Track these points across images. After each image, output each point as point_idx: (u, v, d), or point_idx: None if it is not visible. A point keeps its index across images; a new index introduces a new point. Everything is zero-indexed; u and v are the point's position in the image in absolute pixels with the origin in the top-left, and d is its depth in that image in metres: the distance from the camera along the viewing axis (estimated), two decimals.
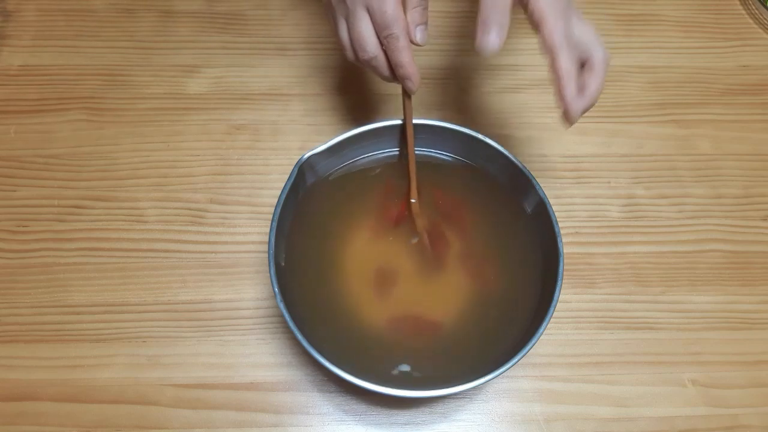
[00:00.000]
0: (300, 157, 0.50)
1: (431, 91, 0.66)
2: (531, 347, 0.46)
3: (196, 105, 0.65)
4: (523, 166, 0.51)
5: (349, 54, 0.49)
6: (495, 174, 0.54)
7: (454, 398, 0.55)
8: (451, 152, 0.55)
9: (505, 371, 0.45)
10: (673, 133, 0.66)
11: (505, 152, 0.52)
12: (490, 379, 0.44)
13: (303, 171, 0.50)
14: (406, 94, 0.50)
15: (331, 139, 0.51)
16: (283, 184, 0.49)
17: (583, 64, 0.47)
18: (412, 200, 0.53)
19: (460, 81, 0.67)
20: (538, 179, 0.51)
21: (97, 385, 0.54)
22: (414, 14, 0.47)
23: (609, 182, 0.63)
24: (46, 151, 0.62)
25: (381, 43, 0.47)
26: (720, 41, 0.71)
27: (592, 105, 0.46)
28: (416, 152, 0.55)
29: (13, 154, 0.62)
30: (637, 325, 0.58)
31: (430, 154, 0.55)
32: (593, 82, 0.46)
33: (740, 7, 0.73)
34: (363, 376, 0.45)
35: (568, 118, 0.46)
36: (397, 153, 0.55)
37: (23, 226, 0.59)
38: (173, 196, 0.61)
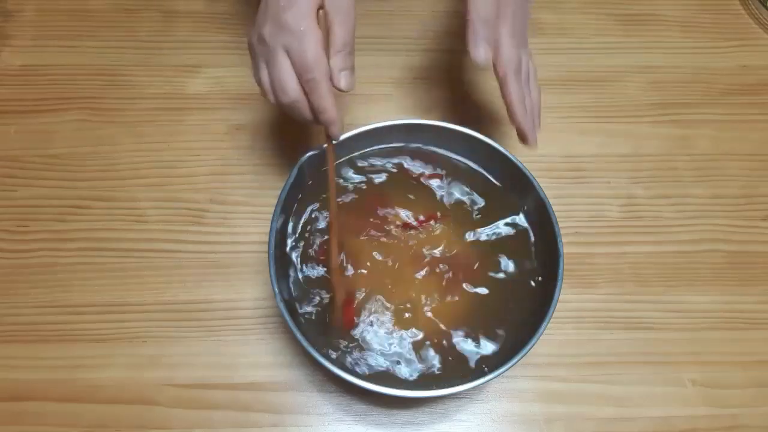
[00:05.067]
0: (300, 157, 0.50)
1: (431, 91, 0.67)
2: (531, 347, 0.46)
3: (196, 105, 0.65)
4: (523, 166, 0.51)
5: (270, 97, 0.47)
6: (495, 174, 0.54)
7: (454, 398, 0.55)
8: (451, 152, 0.55)
9: (505, 371, 0.45)
10: (673, 133, 0.66)
11: (505, 152, 0.52)
12: (490, 379, 0.45)
13: (303, 171, 0.50)
14: (329, 138, 0.48)
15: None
16: (283, 184, 0.49)
17: None
18: (334, 264, 0.48)
19: (460, 81, 0.67)
20: (538, 179, 0.51)
21: (97, 385, 0.54)
22: (337, 59, 0.45)
23: (609, 182, 0.63)
24: (46, 151, 0.62)
25: (302, 87, 0.45)
26: (720, 41, 0.71)
27: (537, 113, 0.51)
28: (418, 149, 0.55)
29: (13, 154, 0.62)
30: (637, 325, 0.58)
31: (430, 151, 0.55)
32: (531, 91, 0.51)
33: (740, 7, 0.73)
34: (363, 376, 0.45)
35: (527, 138, 0.51)
36: (395, 151, 0.55)
37: (23, 226, 0.59)
38: (173, 196, 0.61)
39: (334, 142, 0.49)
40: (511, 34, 0.49)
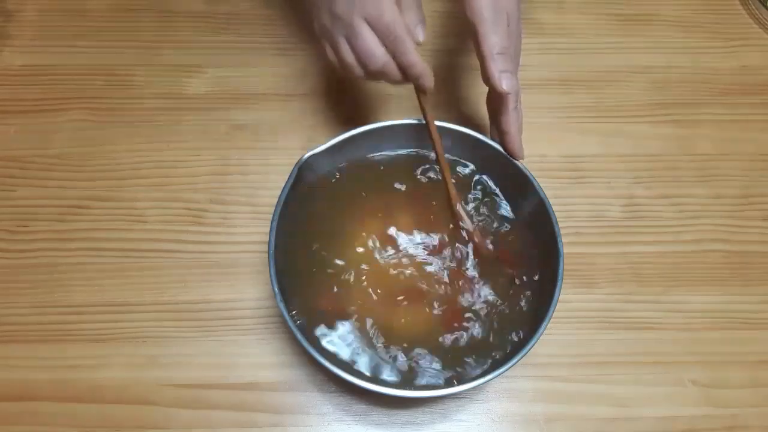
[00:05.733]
0: (300, 157, 0.50)
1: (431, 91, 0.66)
2: (531, 347, 0.46)
3: (196, 105, 0.65)
4: (523, 166, 0.51)
5: (357, 70, 0.48)
6: (495, 174, 0.54)
7: (454, 398, 0.54)
8: (451, 152, 0.55)
9: (505, 371, 0.45)
10: (673, 133, 0.66)
11: (505, 152, 0.52)
12: (490, 379, 0.45)
13: (303, 171, 0.50)
14: (422, 92, 0.50)
15: (331, 139, 0.51)
16: (283, 184, 0.49)
17: None
18: (456, 206, 0.52)
19: (459, 81, 0.67)
20: (538, 179, 0.51)
21: (97, 385, 0.54)
22: (410, 15, 0.47)
23: (609, 182, 0.63)
24: (46, 151, 0.62)
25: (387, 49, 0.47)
26: (720, 41, 0.71)
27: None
28: (416, 151, 0.55)
29: (13, 154, 0.62)
30: (637, 325, 0.58)
31: (428, 154, 0.55)
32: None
33: (740, 7, 0.73)
34: (363, 376, 0.45)
35: (517, 155, 0.51)
36: (397, 153, 0.55)
37: (23, 226, 0.59)
38: (173, 196, 0.61)
39: (428, 95, 0.50)
40: (516, 64, 0.50)
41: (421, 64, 0.47)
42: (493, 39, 0.47)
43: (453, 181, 0.52)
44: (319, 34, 0.49)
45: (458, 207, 0.52)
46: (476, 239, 0.51)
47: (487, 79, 0.49)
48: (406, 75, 0.48)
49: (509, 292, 0.50)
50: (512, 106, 0.50)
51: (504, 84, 0.48)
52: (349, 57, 0.48)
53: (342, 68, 0.49)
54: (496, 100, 0.51)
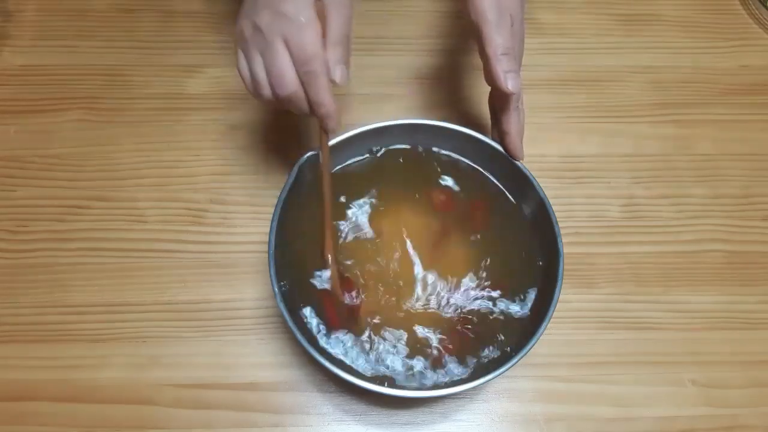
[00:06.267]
0: (300, 157, 0.50)
1: (431, 91, 0.66)
2: (531, 347, 0.46)
3: (196, 105, 0.65)
4: (523, 166, 0.51)
5: (265, 91, 0.45)
6: (495, 174, 0.54)
7: (454, 398, 0.55)
8: (452, 152, 0.55)
9: (505, 371, 0.45)
10: (673, 133, 0.66)
11: (505, 152, 0.52)
12: (490, 379, 0.45)
13: (303, 171, 0.50)
14: (324, 130, 0.47)
15: (331, 139, 0.50)
16: (283, 184, 0.49)
17: None
18: (328, 256, 0.50)
19: (460, 81, 0.67)
20: (538, 179, 0.51)
21: (97, 385, 0.54)
22: (335, 52, 0.44)
23: (609, 182, 0.63)
24: (46, 151, 0.62)
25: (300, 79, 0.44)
26: (720, 41, 0.71)
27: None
28: (417, 150, 0.55)
29: (13, 154, 0.62)
30: (637, 325, 0.58)
31: (431, 151, 0.55)
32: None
33: (740, 7, 0.73)
34: (363, 376, 0.45)
35: (517, 155, 0.51)
36: (395, 150, 0.55)
37: (23, 226, 0.59)
38: (173, 196, 0.61)
39: (330, 135, 0.48)
40: (519, 64, 0.50)
41: (330, 105, 0.45)
42: (497, 40, 0.47)
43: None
44: (237, 40, 0.46)
45: (327, 256, 0.50)
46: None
47: (491, 79, 0.48)
48: (313, 111, 0.45)
49: (509, 292, 0.50)
50: (513, 107, 0.50)
51: (509, 84, 0.47)
52: (261, 73, 0.45)
53: (252, 83, 0.46)
54: (499, 100, 0.51)
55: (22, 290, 0.57)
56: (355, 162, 0.54)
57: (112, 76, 0.66)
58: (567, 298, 0.57)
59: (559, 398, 0.55)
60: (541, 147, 0.64)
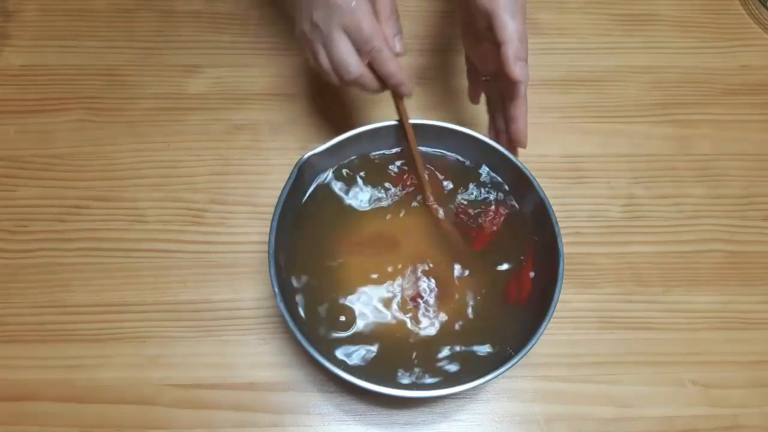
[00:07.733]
0: (300, 157, 0.50)
1: (430, 91, 0.67)
2: (531, 347, 0.46)
3: (196, 105, 0.65)
4: (523, 166, 0.51)
5: (333, 78, 0.48)
6: (495, 174, 0.54)
7: (454, 398, 0.55)
8: (451, 152, 0.55)
9: (505, 371, 0.45)
10: (673, 133, 0.66)
11: (505, 152, 0.52)
12: (490, 379, 0.44)
13: (303, 171, 0.50)
14: (399, 96, 0.50)
15: (331, 139, 0.51)
16: (283, 184, 0.49)
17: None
18: (430, 204, 0.52)
19: (460, 81, 0.67)
20: (538, 179, 0.51)
21: (97, 385, 0.54)
22: (389, 26, 0.47)
23: (609, 182, 0.63)
24: (46, 151, 0.62)
25: (363, 60, 0.47)
26: (720, 41, 0.71)
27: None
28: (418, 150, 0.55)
29: (13, 154, 0.62)
30: (637, 325, 0.58)
31: (428, 153, 0.55)
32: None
33: (740, 7, 0.74)
34: (363, 377, 0.45)
35: (522, 142, 0.52)
36: (397, 152, 0.55)
37: (23, 226, 0.59)
38: (173, 196, 0.61)
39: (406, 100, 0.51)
40: (527, 52, 0.50)
41: (401, 73, 0.48)
42: (512, 25, 0.47)
43: (426, 175, 0.53)
44: (298, 39, 0.50)
45: (432, 203, 0.52)
46: (452, 235, 0.52)
47: (504, 64, 0.48)
48: (387, 84, 0.48)
49: (507, 290, 0.50)
50: (523, 92, 0.50)
51: (518, 71, 0.48)
52: (326, 64, 0.48)
53: (321, 74, 0.49)
54: (506, 87, 0.51)
55: (22, 290, 0.57)
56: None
57: (112, 76, 0.66)
58: (567, 298, 0.57)
59: (559, 398, 0.55)
60: (541, 147, 0.64)
